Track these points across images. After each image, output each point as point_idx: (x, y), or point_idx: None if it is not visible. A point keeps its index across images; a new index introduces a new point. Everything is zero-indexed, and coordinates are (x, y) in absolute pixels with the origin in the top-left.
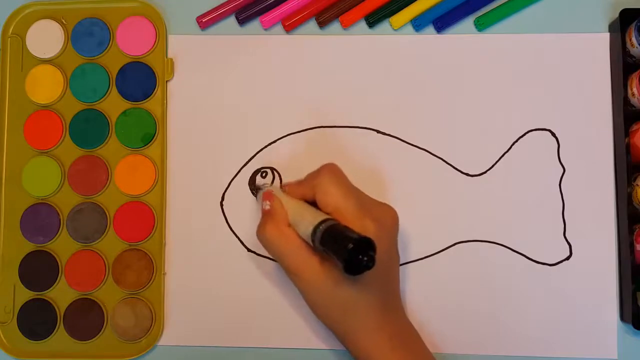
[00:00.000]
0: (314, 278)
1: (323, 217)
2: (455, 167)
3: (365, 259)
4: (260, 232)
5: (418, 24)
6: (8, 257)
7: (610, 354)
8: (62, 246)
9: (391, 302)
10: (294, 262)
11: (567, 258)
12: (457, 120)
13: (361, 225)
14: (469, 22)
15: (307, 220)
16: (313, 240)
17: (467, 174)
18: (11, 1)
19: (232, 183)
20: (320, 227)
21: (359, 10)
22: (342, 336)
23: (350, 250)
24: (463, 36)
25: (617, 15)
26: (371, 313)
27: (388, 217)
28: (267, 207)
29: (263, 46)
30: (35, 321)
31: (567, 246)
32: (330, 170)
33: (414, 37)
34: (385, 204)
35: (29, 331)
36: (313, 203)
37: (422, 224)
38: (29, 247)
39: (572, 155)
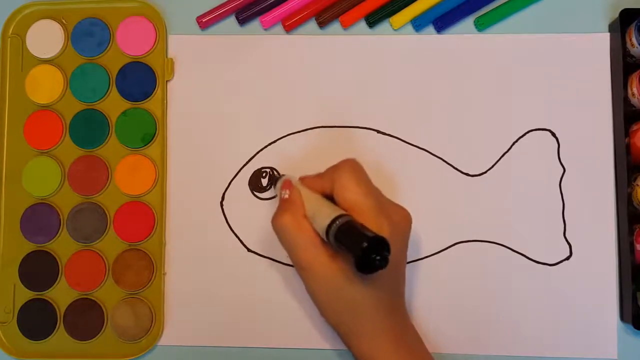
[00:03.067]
0: (324, 273)
1: (340, 212)
2: (455, 167)
3: (379, 258)
4: (277, 221)
5: (418, 24)
6: (8, 257)
7: (610, 354)
8: (62, 246)
9: (397, 304)
10: (306, 254)
11: (567, 258)
12: (457, 120)
13: (377, 224)
14: (469, 22)
15: (324, 213)
16: (327, 235)
17: (467, 174)
18: (11, 1)
19: (232, 183)
20: (337, 222)
21: (359, 10)
22: (345, 335)
23: (364, 248)
24: (463, 36)
25: (617, 15)
26: (378, 314)
27: (403, 219)
28: (286, 196)
29: (263, 46)
30: (35, 321)
31: (567, 246)
32: (351, 166)
33: (414, 37)
34: (400, 206)
35: (29, 331)
36: (330, 197)
37: (422, 224)
38: (29, 247)
39: (572, 155)
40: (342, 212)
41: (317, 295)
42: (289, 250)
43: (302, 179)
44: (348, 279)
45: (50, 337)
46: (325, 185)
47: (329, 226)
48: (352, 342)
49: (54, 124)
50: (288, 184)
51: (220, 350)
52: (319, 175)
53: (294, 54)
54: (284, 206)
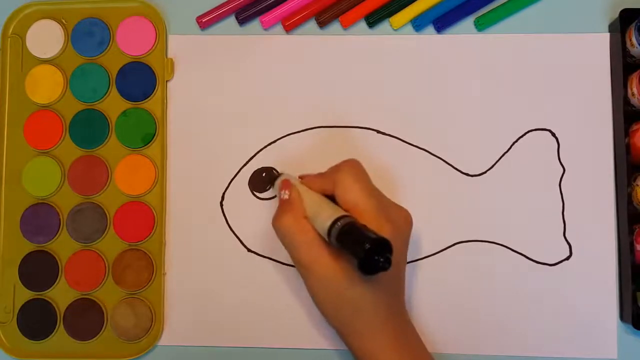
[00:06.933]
0: (325, 273)
1: (341, 213)
2: (455, 167)
3: (382, 260)
4: (277, 222)
5: (418, 24)
6: (8, 257)
7: (610, 354)
8: (62, 246)
9: (397, 304)
10: (307, 255)
11: (567, 258)
12: (457, 120)
13: (378, 225)
14: (469, 22)
15: (325, 214)
16: (329, 235)
17: (467, 174)
18: (11, 1)
19: (232, 183)
20: (338, 223)
21: (359, 10)
22: (345, 335)
23: (367, 250)
24: (463, 36)
25: (617, 15)
26: (378, 314)
27: (403, 219)
28: (286, 197)
29: (263, 46)
30: (35, 321)
31: (567, 246)
32: (352, 167)
33: (414, 37)
34: (401, 207)
35: (29, 331)
36: (331, 197)
37: (422, 224)
38: (29, 247)
39: (572, 155)
40: (344, 212)
41: (318, 295)
42: (290, 250)
43: (303, 178)
44: (350, 280)
45: (50, 337)
46: (326, 186)
47: (331, 227)
48: (352, 342)
49: (54, 124)
50: (287, 184)
51: (220, 350)
52: (320, 175)
53: (294, 54)
54: (284, 207)
